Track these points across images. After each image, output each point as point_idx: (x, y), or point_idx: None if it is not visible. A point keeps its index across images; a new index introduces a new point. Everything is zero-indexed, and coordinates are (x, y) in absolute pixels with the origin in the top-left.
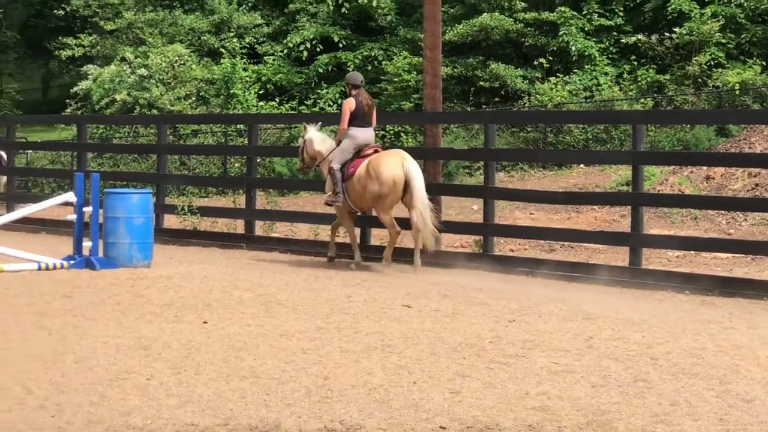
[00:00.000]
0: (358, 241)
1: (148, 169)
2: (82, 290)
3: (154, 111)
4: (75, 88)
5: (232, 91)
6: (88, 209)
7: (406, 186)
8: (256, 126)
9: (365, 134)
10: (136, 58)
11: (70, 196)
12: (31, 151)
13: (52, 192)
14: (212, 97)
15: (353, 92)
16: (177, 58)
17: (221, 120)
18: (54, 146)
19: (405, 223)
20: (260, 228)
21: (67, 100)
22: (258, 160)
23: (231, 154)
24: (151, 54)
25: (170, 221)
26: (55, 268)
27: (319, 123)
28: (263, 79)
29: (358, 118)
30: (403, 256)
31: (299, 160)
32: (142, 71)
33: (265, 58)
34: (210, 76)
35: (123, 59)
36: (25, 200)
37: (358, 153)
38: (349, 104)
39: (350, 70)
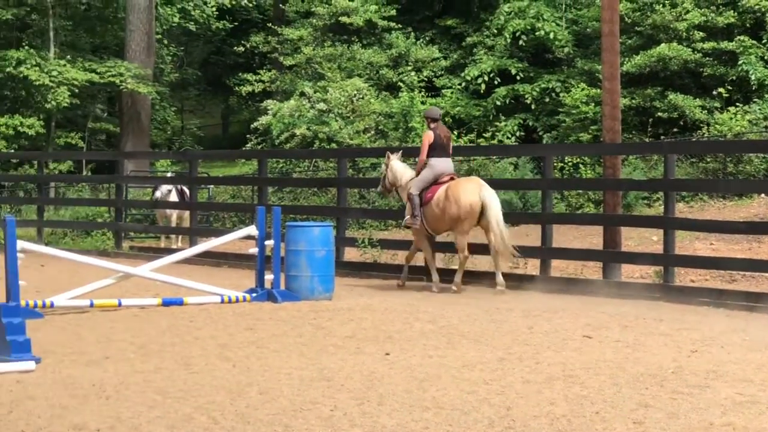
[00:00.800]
0: (437, 264)
1: (327, 202)
2: (264, 322)
3: (333, 145)
4: (255, 123)
5: (410, 125)
6: (269, 242)
7: (483, 211)
8: None
9: (444, 164)
10: (315, 92)
11: (252, 230)
12: (212, 186)
13: (233, 226)
14: (391, 131)
15: (431, 125)
16: (356, 92)
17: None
18: (235, 181)
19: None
20: (441, 260)
21: (247, 135)
22: None
23: None
24: (330, 88)
25: (350, 254)
26: (237, 300)
27: (400, 152)
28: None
29: (437, 149)
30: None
31: (381, 184)
32: (321, 105)
33: (442, 91)
34: (388, 109)
35: (302, 94)
36: (207, 234)
37: (435, 180)
38: (428, 137)
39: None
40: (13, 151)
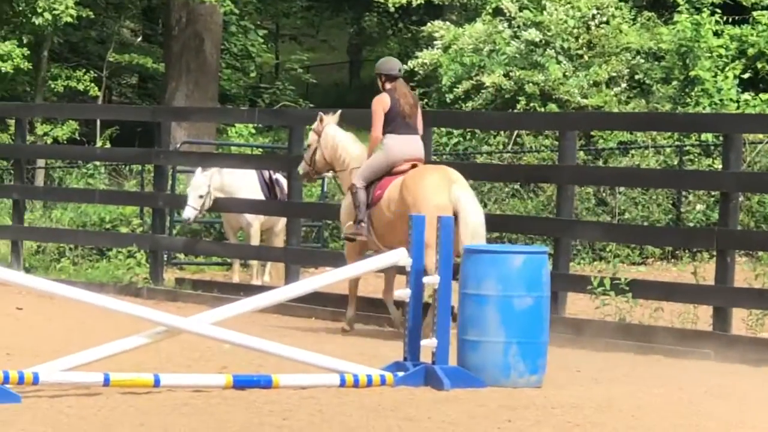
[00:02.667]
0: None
1: (538, 209)
2: (419, 426)
3: (552, 107)
4: (410, 63)
5: (693, 73)
6: (431, 279)
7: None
8: (738, 137)
9: (406, 145)
10: (521, 10)
11: (400, 256)
12: (329, 173)
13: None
14: (657, 84)
15: (387, 86)
16: (595, 10)
17: (672, 125)
18: None
19: None
20: (742, 321)
21: None
22: (740, 199)
23: (688, 187)
24: (548, 3)
25: (577, 305)
26: (370, 383)
27: (339, 113)
28: (750, 51)
29: (396, 122)
30: None
31: (306, 161)
32: (532, 34)
33: (754, 14)
34: (653, 44)
35: (497, 12)
36: (316, 261)
37: (390, 169)
38: (382, 102)
39: None
40: None
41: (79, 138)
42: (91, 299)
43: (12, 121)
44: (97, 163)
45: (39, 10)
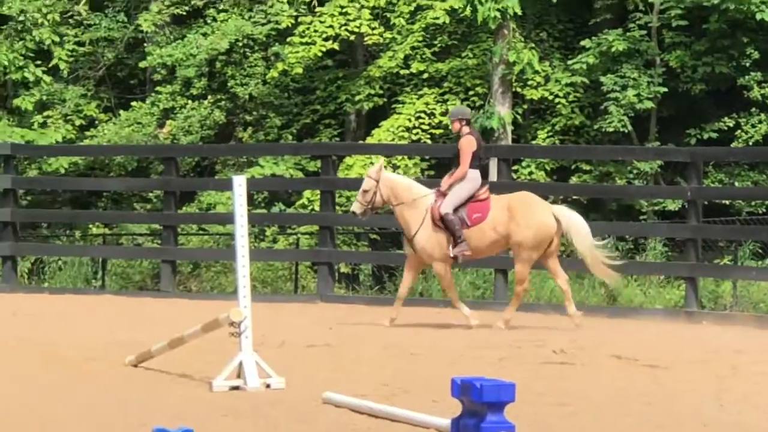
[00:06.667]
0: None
1: None
2: None
3: None
4: None
5: None
6: None
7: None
8: None
9: (480, 177)
10: None
11: None
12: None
13: None
14: None
15: (466, 129)
16: None
17: None
18: None
19: None
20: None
21: None
22: None
23: None
24: None
25: None
26: None
27: (382, 160)
28: None
29: (477, 159)
30: None
31: (360, 201)
32: None
33: None
34: None
35: None
36: None
37: (471, 197)
38: (471, 144)
39: None
40: None
41: None
42: None
43: None
44: None
45: None
